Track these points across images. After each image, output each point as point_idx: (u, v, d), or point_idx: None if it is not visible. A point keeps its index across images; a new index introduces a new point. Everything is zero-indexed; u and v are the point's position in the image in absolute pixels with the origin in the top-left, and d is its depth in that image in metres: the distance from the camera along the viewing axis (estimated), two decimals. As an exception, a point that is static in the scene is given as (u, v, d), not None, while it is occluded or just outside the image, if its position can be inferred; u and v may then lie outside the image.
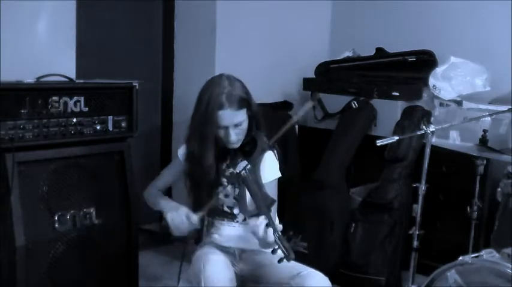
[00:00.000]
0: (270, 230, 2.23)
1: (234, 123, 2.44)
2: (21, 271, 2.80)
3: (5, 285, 2.83)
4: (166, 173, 2.74)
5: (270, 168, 2.54)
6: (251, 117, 2.51)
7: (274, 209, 2.45)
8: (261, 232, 2.24)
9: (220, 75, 2.52)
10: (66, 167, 2.98)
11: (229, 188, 2.53)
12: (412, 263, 3.01)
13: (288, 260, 2.19)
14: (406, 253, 3.19)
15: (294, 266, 2.45)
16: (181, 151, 2.65)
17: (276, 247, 2.20)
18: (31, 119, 2.85)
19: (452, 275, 2.58)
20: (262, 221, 2.25)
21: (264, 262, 2.54)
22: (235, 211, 2.59)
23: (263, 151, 2.49)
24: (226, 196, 2.56)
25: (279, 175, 2.58)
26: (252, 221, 2.30)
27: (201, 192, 2.53)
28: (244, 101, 2.46)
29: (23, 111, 2.83)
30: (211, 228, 2.65)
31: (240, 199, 2.47)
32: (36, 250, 2.85)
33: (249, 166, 2.39)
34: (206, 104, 2.44)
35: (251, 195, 2.38)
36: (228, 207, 2.59)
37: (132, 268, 3.22)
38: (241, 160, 2.42)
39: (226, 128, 2.44)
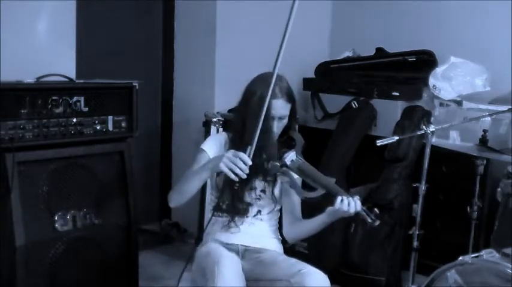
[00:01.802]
0: (355, 200, 2.37)
1: (283, 114, 2.55)
2: (21, 271, 2.80)
3: (5, 285, 2.83)
4: None
5: None
6: (291, 116, 2.61)
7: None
8: (358, 206, 2.38)
9: (269, 72, 2.54)
10: (66, 167, 2.98)
11: (256, 182, 2.58)
12: (412, 263, 3.01)
13: (375, 224, 2.38)
14: (406, 253, 3.19)
15: (294, 264, 2.46)
16: (208, 147, 2.62)
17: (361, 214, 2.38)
18: (31, 119, 2.85)
19: (452, 275, 2.58)
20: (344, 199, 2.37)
21: (265, 260, 2.55)
22: (251, 207, 2.60)
23: (302, 147, 2.58)
24: (252, 189, 2.59)
25: None
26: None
27: (240, 185, 2.47)
28: (292, 97, 2.61)
29: (23, 111, 2.83)
30: (217, 226, 2.64)
31: (294, 185, 2.52)
32: (36, 250, 2.85)
33: (296, 156, 2.46)
34: (259, 95, 2.48)
35: (314, 179, 2.45)
36: (246, 202, 2.60)
37: (132, 268, 3.22)
38: (285, 151, 2.48)
39: (273, 119, 2.53)
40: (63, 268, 2.95)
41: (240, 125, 2.57)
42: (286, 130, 2.61)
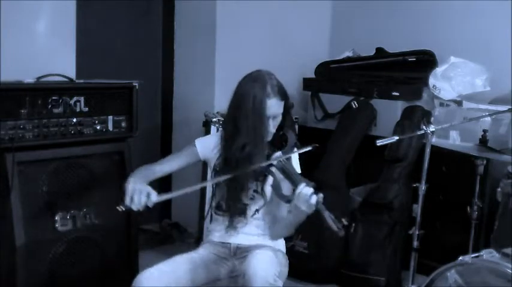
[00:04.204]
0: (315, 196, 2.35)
1: (277, 113, 2.54)
2: (22, 271, 2.80)
3: (5, 285, 2.83)
4: (175, 159, 2.72)
5: (294, 165, 2.59)
6: (285, 114, 2.61)
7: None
8: (313, 200, 2.35)
9: (259, 71, 2.60)
10: (66, 167, 2.98)
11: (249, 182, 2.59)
12: (412, 263, 3.01)
13: (339, 235, 2.33)
14: (406, 253, 3.19)
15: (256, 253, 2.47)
16: (200, 144, 2.67)
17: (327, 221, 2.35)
18: (31, 119, 2.85)
19: (452, 275, 2.58)
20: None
21: (249, 256, 2.56)
22: (252, 206, 2.62)
23: (293, 147, 2.58)
24: (245, 189, 2.59)
25: (300, 171, 2.63)
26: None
27: (237, 184, 2.55)
28: (284, 94, 2.58)
29: (23, 111, 2.83)
30: (217, 225, 2.66)
31: (275, 186, 2.52)
32: (37, 250, 2.86)
33: (283, 157, 2.47)
34: (253, 96, 2.49)
35: (291, 180, 2.44)
36: (243, 203, 2.62)
37: (132, 268, 3.22)
38: (275, 151, 2.51)
39: (268, 119, 2.52)
40: (63, 267, 2.95)
41: (232, 128, 2.56)
42: (280, 127, 2.61)
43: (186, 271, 2.50)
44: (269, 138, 2.57)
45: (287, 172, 2.47)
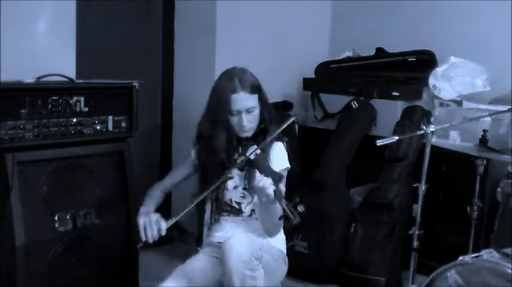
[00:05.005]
0: (269, 183, 2.29)
1: (246, 107, 2.52)
2: (21, 271, 2.80)
3: (5, 285, 2.83)
4: (176, 171, 2.81)
5: (279, 158, 2.58)
6: (262, 108, 2.59)
7: (282, 185, 2.46)
8: (267, 186, 2.28)
9: (233, 67, 2.64)
10: (66, 167, 2.98)
11: (237, 179, 2.60)
12: (412, 263, 3.01)
13: (294, 222, 2.24)
14: (406, 253, 3.19)
15: None
16: (194, 151, 2.72)
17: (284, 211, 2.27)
18: (31, 119, 2.85)
19: (452, 275, 2.58)
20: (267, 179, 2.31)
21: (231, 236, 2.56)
22: (243, 206, 2.62)
23: (272, 140, 2.54)
24: (235, 187, 2.61)
25: (288, 165, 2.61)
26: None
27: (210, 177, 2.55)
28: (256, 88, 2.56)
29: (23, 111, 2.83)
30: (214, 226, 2.67)
31: (249, 180, 2.51)
32: (36, 250, 2.86)
33: (259, 150, 2.43)
34: (220, 90, 2.54)
35: (260, 172, 2.41)
36: (236, 202, 2.63)
37: (132, 267, 3.22)
38: (252, 145, 2.47)
39: (239, 113, 2.51)
40: (63, 268, 2.95)
41: (202, 122, 2.66)
42: (262, 122, 2.60)
43: (195, 282, 2.53)
44: (247, 133, 2.55)
45: (257, 165, 2.42)
